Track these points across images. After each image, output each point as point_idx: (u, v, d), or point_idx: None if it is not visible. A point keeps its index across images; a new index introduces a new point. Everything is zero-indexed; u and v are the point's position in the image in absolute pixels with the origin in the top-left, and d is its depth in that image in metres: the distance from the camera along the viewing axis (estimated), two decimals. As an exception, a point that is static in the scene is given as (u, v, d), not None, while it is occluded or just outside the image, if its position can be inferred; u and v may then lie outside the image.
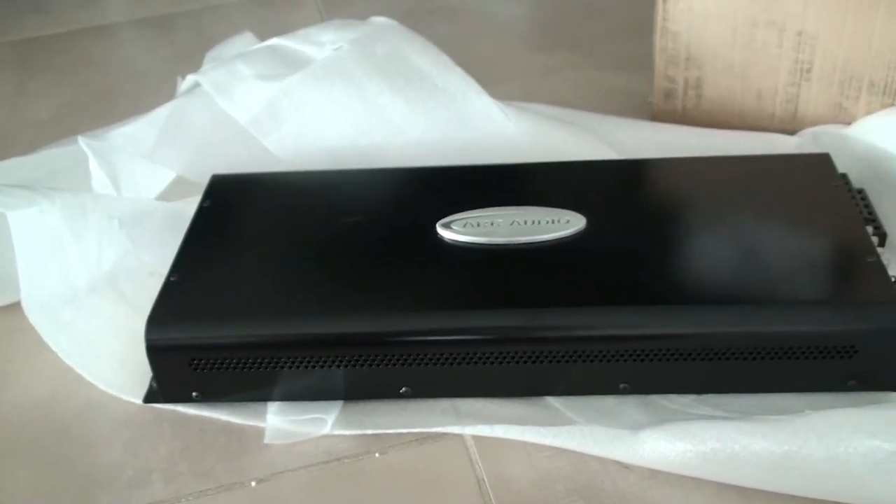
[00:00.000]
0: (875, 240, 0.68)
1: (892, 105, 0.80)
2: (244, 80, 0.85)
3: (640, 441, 0.59)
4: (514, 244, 0.68)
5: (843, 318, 0.62)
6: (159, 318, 0.65)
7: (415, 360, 0.64)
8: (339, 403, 0.66)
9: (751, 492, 0.57)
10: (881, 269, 0.63)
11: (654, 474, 0.59)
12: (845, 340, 0.61)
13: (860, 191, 0.76)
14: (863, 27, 0.79)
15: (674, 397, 0.64)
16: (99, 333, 0.73)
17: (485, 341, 0.64)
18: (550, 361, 0.63)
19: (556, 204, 0.71)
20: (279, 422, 0.65)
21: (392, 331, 0.64)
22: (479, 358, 0.64)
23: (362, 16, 0.93)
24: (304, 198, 0.76)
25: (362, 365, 0.64)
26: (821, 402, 0.62)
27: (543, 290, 0.65)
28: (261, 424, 0.65)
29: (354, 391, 0.66)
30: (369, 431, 0.64)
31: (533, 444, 0.62)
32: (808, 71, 0.83)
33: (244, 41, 0.97)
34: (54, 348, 0.72)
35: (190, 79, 0.88)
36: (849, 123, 0.83)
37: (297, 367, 0.64)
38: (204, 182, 0.79)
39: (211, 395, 0.66)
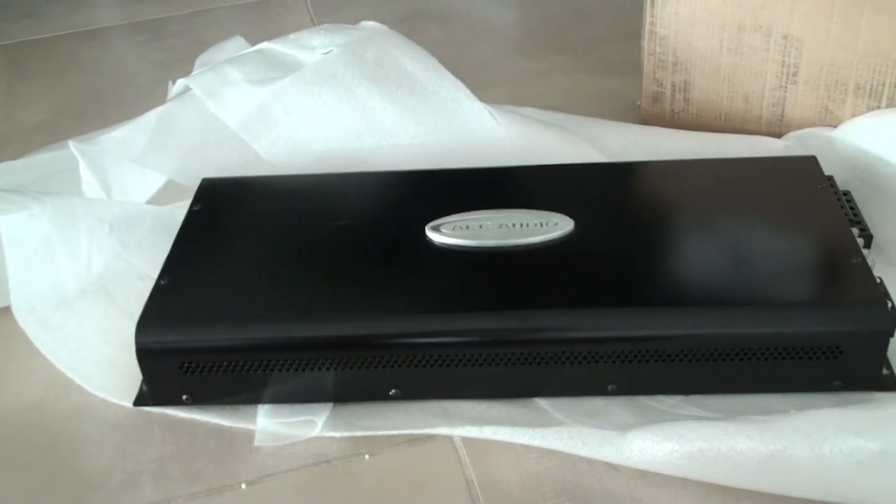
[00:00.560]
0: (861, 241, 0.68)
1: (878, 108, 0.81)
2: (234, 84, 0.85)
3: (628, 442, 0.59)
4: (503, 247, 0.68)
5: (829, 319, 0.62)
6: (149, 321, 0.65)
7: (404, 362, 0.64)
8: (329, 405, 0.66)
9: (737, 491, 0.58)
10: (866, 271, 0.64)
11: (641, 475, 0.60)
12: (830, 341, 0.62)
13: (846, 193, 0.77)
14: (848, 31, 0.80)
15: (661, 398, 0.65)
16: (89, 337, 0.73)
17: (473, 343, 0.64)
18: (539, 363, 0.64)
19: (544, 207, 0.71)
20: (269, 424, 0.65)
21: (381, 333, 0.65)
22: (468, 360, 0.64)
23: (354, 20, 0.93)
24: (293, 201, 0.77)
25: (352, 367, 0.64)
26: (806, 402, 0.62)
27: (532, 292, 0.65)
28: (251, 427, 0.66)
29: (344, 393, 0.66)
30: (359, 433, 0.64)
31: (522, 446, 0.62)
32: (795, 74, 0.84)
33: (235, 45, 0.97)
34: (44, 352, 0.73)
35: (180, 83, 0.88)
36: (835, 126, 0.83)
37: (287, 369, 0.65)
38: (194, 186, 0.79)
39: (201, 398, 0.67)
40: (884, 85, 0.80)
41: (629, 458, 0.59)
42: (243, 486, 0.62)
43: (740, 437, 0.56)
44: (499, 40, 1.18)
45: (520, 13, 1.26)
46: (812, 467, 0.55)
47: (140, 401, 0.68)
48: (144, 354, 0.65)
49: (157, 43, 1.24)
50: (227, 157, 0.85)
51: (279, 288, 0.68)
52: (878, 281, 0.63)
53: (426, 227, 0.70)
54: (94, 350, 0.72)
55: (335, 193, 0.77)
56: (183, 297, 0.67)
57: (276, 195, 0.78)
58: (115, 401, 0.69)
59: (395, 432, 0.64)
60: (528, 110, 0.93)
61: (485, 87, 0.91)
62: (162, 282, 0.68)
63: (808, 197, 0.72)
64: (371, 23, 0.91)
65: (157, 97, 0.92)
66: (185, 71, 0.91)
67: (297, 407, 0.66)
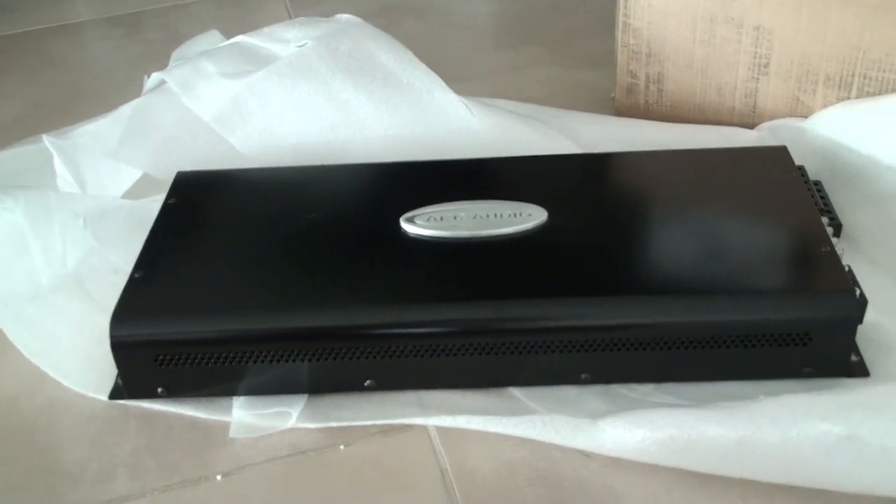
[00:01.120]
0: (830, 230, 0.69)
1: (848, 98, 0.82)
2: (209, 77, 0.85)
3: (600, 429, 0.60)
4: (477, 237, 0.69)
5: (798, 306, 0.63)
6: (123, 314, 0.65)
7: (379, 353, 0.65)
8: (304, 397, 0.66)
9: (708, 477, 0.58)
10: (835, 259, 0.65)
11: (613, 462, 0.60)
12: (800, 328, 0.62)
13: (816, 182, 0.78)
14: (818, 22, 0.80)
15: (634, 386, 0.65)
16: (64, 331, 0.73)
17: (448, 334, 0.64)
18: (512, 353, 0.64)
19: (518, 198, 0.72)
20: (244, 416, 0.66)
21: (356, 324, 0.65)
22: (443, 350, 0.64)
23: (331, 14, 0.93)
24: (268, 194, 0.77)
25: (327, 358, 0.65)
26: (777, 388, 0.63)
27: (505, 282, 0.66)
28: (226, 419, 0.66)
29: (319, 384, 0.66)
30: (334, 424, 0.65)
31: (495, 435, 0.63)
32: (766, 66, 0.85)
33: (211, 39, 0.97)
34: (19, 346, 0.73)
35: (155, 77, 0.88)
36: (806, 117, 0.84)
37: (262, 361, 0.65)
38: (169, 179, 0.79)
39: (176, 390, 0.67)
40: (853, 76, 0.80)
41: (601, 446, 0.60)
42: (218, 477, 0.62)
43: (710, 424, 0.57)
44: (475, 33, 1.18)
45: (496, 6, 1.26)
46: (780, 452, 0.55)
47: (115, 394, 0.68)
48: (119, 347, 0.65)
49: (134, 37, 1.24)
50: (202, 151, 0.85)
51: (254, 280, 0.68)
52: (847, 269, 0.64)
53: (401, 219, 0.71)
54: (69, 344, 0.72)
55: (310, 186, 0.77)
56: (157, 289, 0.67)
57: (251, 188, 0.78)
58: (90, 394, 0.69)
59: (369, 422, 0.64)
60: (503, 102, 0.94)
61: (461, 80, 0.91)
62: (136, 275, 0.68)
63: (779, 186, 0.73)
64: (346, 15, 0.92)
65: (133, 91, 0.92)
66: (162, 65, 0.91)
67: (273, 398, 0.66)
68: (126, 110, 0.85)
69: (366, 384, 0.66)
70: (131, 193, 0.86)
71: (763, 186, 0.73)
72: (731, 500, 0.57)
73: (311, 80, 0.85)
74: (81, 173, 0.82)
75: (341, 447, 0.64)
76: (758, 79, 0.86)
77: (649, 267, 0.66)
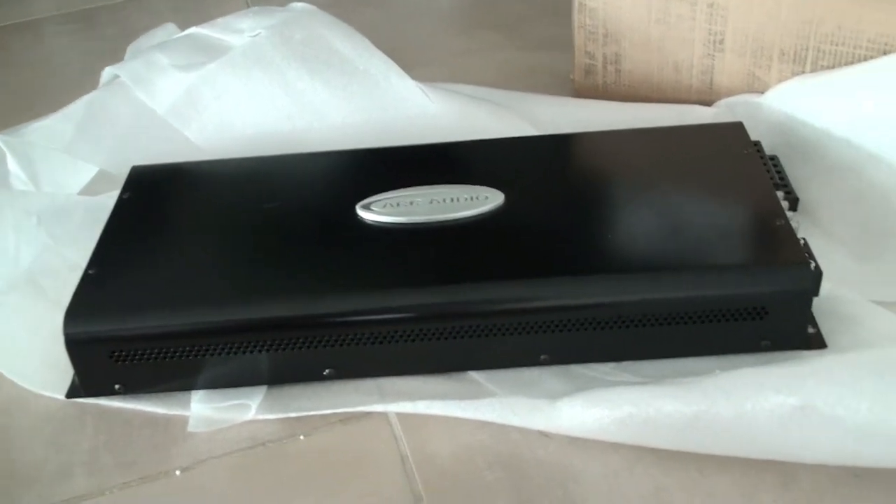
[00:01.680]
0: (786, 204, 0.69)
1: (803, 72, 0.82)
2: (162, 70, 0.84)
3: (558, 409, 0.60)
4: (433, 222, 0.68)
5: (754, 280, 0.63)
6: (77, 311, 0.65)
7: (337, 341, 0.64)
8: (264, 388, 0.66)
9: (666, 453, 0.59)
10: (790, 231, 0.65)
11: (572, 441, 0.60)
12: (756, 302, 0.62)
13: (773, 157, 0.78)
14: (771, -3, 0.81)
15: (593, 366, 0.65)
16: (19, 330, 0.72)
17: (405, 319, 0.64)
18: (471, 336, 0.64)
19: (474, 181, 0.71)
20: (203, 409, 0.65)
21: (313, 313, 0.64)
22: (401, 336, 0.64)
23: (287, 2, 0.92)
24: (224, 186, 0.76)
25: (285, 349, 0.64)
26: (735, 363, 0.63)
27: (462, 266, 0.65)
28: (185, 413, 0.65)
29: (278, 375, 0.66)
30: (293, 414, 0.64)
31: (455, 419, 0.63)
32: (721, 42, 0.85)
33: (166, 32, 0.96)
34: (-26, 347, 0.72)
35: (108, 71, 0.87)
36: (762, 92, 0.84)
37: (220, 354, 0.64)
38: (126, 175, 0.78)
39: (134, 386, 0.66)
40: (807, 50, 0.80)
41: (560, 426, 0.60)
42: (178, 472, 0.62)
43: (666, 400, 0.57)
44: (431, 20, 1.18)
45: (453, -8, 1.26)
46: (736, 425, 0.55)
47: (72, 392, 0.67)
48: (74, 345, 0.64)
49: (90, 32, 1.23)
50: (157, 144, 0.84)
51: (209, 273, 0.67)
52: (803, 242, 0.64)
53: (357, 206, 0.70)
54: (25, 343, 0.71)
55: (266, 176, 0.77)
56: (112, 286, 0.67)
57: (207, 180, 0.77)
58: (46, 393, 0.68)
59: (329, 411, 0.64)
60: (460, 87, 0.93)
61: (419, 66, 0.91)
62: (90, 271, 0.67)
63: (735, 162, 0.73)
64: (300, 3, 0.91)
65: (89, 88, 0.91)
66: (119, 60, 0.90)
67: (231, 391, 0.66)
68: (79, 105, 0.84)
69: (325, 373, 0.66)
70: (88, 190, 0.85)
71: (719, 163, 0.73)
72: (689, 475, 0.57)
73: (265, 69, 0.84)
74: (35, 171, 0.81)
75: (301, 437, 0.63)
76: (713, 55, 0.86)
77: (606, 246, 0.66)
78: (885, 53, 0.77)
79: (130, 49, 0.96)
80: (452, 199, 0.70)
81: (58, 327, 0.64)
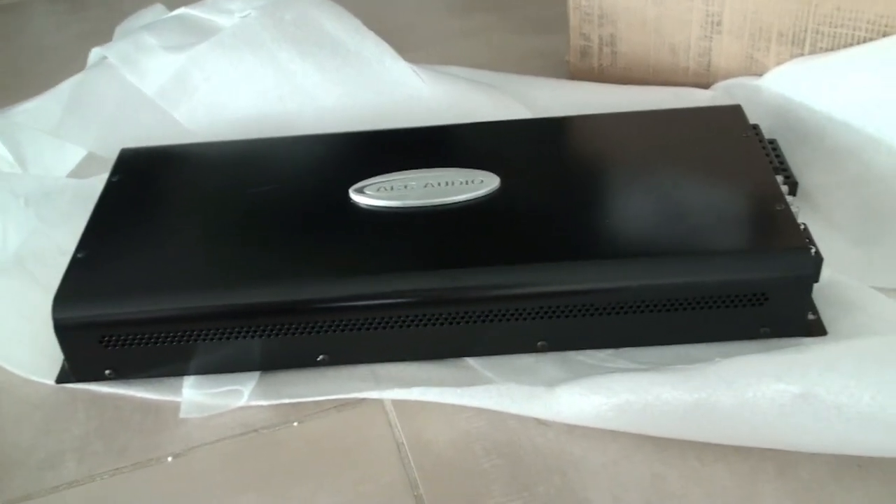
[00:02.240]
0: (786, 188, 0.68)
1: (801, 55, 0.81)
2: (151, 51, 0.83)
3: (556, 397, 0.59)
4: (428, 206, 0.67)
5: (754, 266, 0.62)
6: (66, 295, 0.63)
7: (331, 327, 0.63)
8: (256, 374, 0.65)
9: (665, 441, 0.58)
10: (790, 217, 0.64)
11: (570, 429, 0.60)
12: (756, 288, 0.62)
13: (772, 141, 0.77)
14: (769, -23, 0.80)
15: (591, 353, 0.64)
16: (7, 315, 0.71)
17: (400, 305, 0.63)
18: (468, 322, 0.63)
19: (470, 165, 0.70)
20: (195, 395, 0.64)
21: (307, 298, 0.63)
22: (396, 322, 0.63)
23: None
24: (215, 169, 0.75)
25: (278, 334, 0.63)
26: (734, 350, 0.62)
27: (457, 250, 0.64)
28: (177, 399, 0.64)
29: (271, 361, 0.65)
30: (286, 401, 0.63)
31: (452, 406, 0.62)
32: (719, 24, 0.84)
33: (155, 13, 0.95)
34: (-39, 332, 0.70)
35: (96, 52, 0.86)
36: (760, 75, 0.83)
37: (211, 339, 0.63)
38: (115, 157, 0.77)
39: (124, 372, 0.65)
40: (805, 31, 0.80)
41: (558, 413, 0.59)
42: (169, 458, 0.61)
43: (666, 387, 0.56)
44: (425, 1, 1.16)
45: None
46: (736, 413, 0.55)
47: (62, 378, 0.66)
48: (63, 330, 0.63)
49: (78, 14, 1.21)
50: (147, 127, 0.83)
51: (201, 257, 0.66)
52: (803, 227, 0.64)
53: (350, 190, 0.69)
54: (14, 328, 0.70)
55: (257, 159, 0.75)
56: (101, 269, 0.65)
57: (197, 163, 0.76)
58: (36, 379, 0.67)
59: (323, 398, 0.63)
60: (455, 69, 0.92)
61: (412, 48, 0.90)
62: (79, 255, 0.66)
63: (733, 146, 0.72)
64: (291, -16, 0.89)
65: (76, 70, 0.89)
66: (106, 41, 0.89)
67: (224, 377, 0.65)
68: (66, 87, 0.83)
69: (319, 359, 0.65)
70: (77, 172, 0.84)
71: (718, 146, 0.72)
72: (688, 463, 0.57)
73: (256, 51, 0.83)
74: (22, 152, 0.80)
75: (295, 424, 0.62)
76: (711, 37, 0.85)
77: (604, 231, 0.65)
78: (884, 35, 0.76)
79: (118, 30, 0.94)
80: (447, 183, 0.69)
81: (47, 311, 0.63)
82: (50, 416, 0.65)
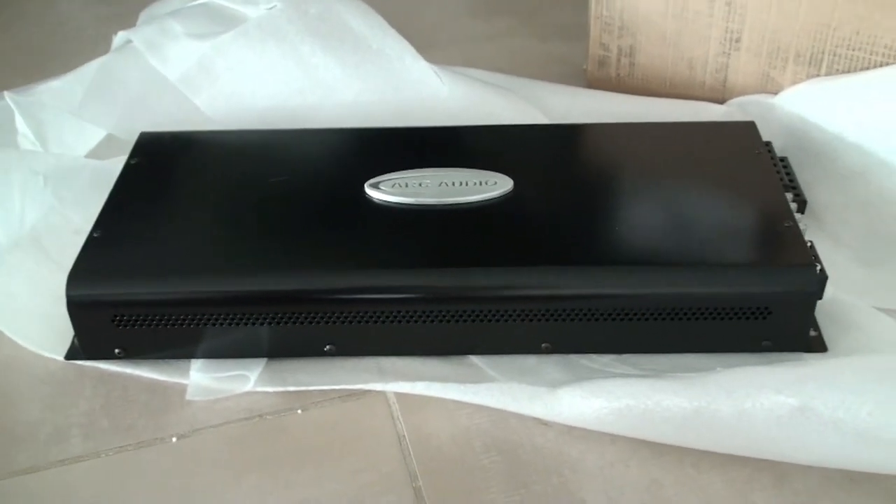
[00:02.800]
0: (794, 206, 0.69)
1: (817, 75, 0.82)
2: (176, 37, 0.84)
3: (558, 398, 0.60)
4: (441, 205, 0.68)
5: (759, 280, 0.63)
6: (81, 273, 0.64)
7: (339, 318, 0.64)
8: (263, 361, 0.66)
9: (662, 447, 0.59)
10: (797, 234, 0.65)
11: (570, 430, 0.60)
12: (760, 302, 0.62)
13: (783, 159, 0.78)
14: (790, -2, 0.80)
15: (594, 357, 0.65)
16: (21, 290, 0.72)
17: (409, 300, 0.64)
18: (474, 321, 0.64)
19: (484, 166, 0.71)
20: (202, 378, 0.65)
21: (317, 288, 0.64)
22: (403, 317, 0.64)
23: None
24: (232, 157, 0.76)
25: (286, 323, 0.64)
26: (735, 361, 0.63)
27: (468, 250, 0.65)
28: (184, 381, 0.65)
29: (278, 349, 0.66)
30: (292, 388, 0.64)
31: (454, 402, 0.63)
32: (738, 41, 0.84)
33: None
34: (-26, 305, 0.71)
35: (121, 35, 0.87)
36: (776, 93, 0.84)
37: (221, 324, 0.64)
38: (134, 140, 0.78)
39: (134, 351, 0.66)
40: (823, 53, 0.80)
41: (559, 414, 0.60)
42: (174, 439, 0.62)
43: (666, 394, 0.57)
44: (448, 2, 1.17)
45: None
46: (735, 423, 0.55)
47: (72, 354, 0.67)
48: (76, 307, 0.64)
49: (104, -3, 1.22)
50: (167, 112, 0.83)
51: (214, 242, 0.67)
52: (809, 244, 0.64)
53: (366, 185, 0.70)
54: (26, 303, 0.71)
55: (275, 150, 0.76)
56: (116, 249, 0.66)
57: (216, 150, 0.77)
58: (46, 354, 0.68)
59: (328, 387, 0.64)
60: (473, 71, 0.93)
61: (433, 48, 0.90)
62: (95, 234, 0.67)
63: (746, 162, 0.72)
64: (317, -21, 0.90)
65: (101, 52, 0.90)
66: (131, 25, 0.89)
67: (231, 362, 0.66)
68: (90, 68, 0.83)
69: (325, 349, 0.66)
70: (96, 153, 0.85)
71: (729, 161, 0.73)
72: (684, 470, 0.58)
73: (279, 42, 0.84)
74: (43, 131, 0.81)
75: (299, 411, 0.63)
76: (729, 54, 0.86)
77: (613, 238, 0.66)
78: (901, 61, 0.77)
79: (143, 15, 0.95)
80: (462, 183, 0.70)
81: (59, 288, 0.64)
82: (58, 392, 0.65)
